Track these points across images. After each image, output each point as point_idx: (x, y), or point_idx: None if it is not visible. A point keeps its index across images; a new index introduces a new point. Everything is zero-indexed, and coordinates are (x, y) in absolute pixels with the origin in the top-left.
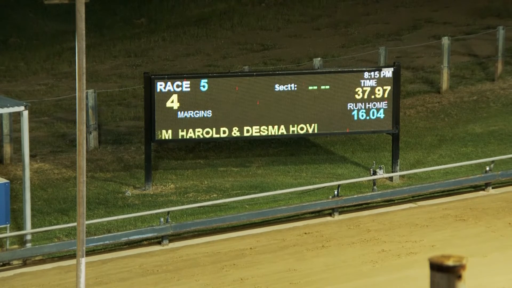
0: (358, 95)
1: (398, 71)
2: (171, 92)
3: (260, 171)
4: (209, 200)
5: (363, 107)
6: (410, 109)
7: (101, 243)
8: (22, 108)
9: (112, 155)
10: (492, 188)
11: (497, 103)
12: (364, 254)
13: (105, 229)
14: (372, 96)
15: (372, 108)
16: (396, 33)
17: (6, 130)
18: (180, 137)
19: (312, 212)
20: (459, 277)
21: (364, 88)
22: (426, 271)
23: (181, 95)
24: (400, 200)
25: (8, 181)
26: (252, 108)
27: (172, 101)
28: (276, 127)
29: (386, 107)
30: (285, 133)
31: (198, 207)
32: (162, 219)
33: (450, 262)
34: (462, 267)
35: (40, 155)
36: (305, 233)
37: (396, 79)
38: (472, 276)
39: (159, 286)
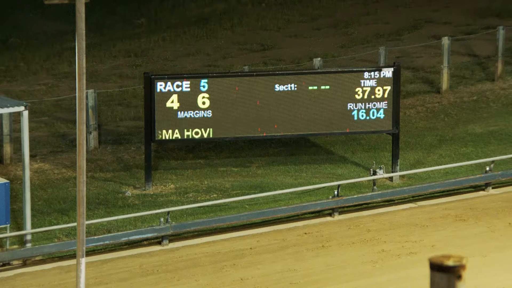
0: (358, 95)
1: (398, 71)
2: (171, 92)
3: (260, 171)
4: (209, 200)
5: (363, 107)
6: (410, 109)
7: (101, 243)
8: (22, 108)
9: (112, 155)
10: (492, 188)
11: (497, 103)
12: (364, 254)
13: (105, 229)
14: (372, 96)
15: (372, 108)
16: (396, 33)
17: (6, 130)
18: (180, 137)
19: (312, 212)
20: (459, 277)
21: (364, 88)
22: (426, 271)
23: (181, 95)
24: (400, 200)
25: (8, 181)
26: (252, 108)
27: (172, 101)
28: (276, 127)
29: (386, 107)
30: (285, 133)
31: (198, 207)
32: (162, 219)
33: (450, 262)
34: (462, 267)
35: (40, 155)
36: (305, 233)
37: (396, 79)
38: (472, 276)
39: (159, 286)
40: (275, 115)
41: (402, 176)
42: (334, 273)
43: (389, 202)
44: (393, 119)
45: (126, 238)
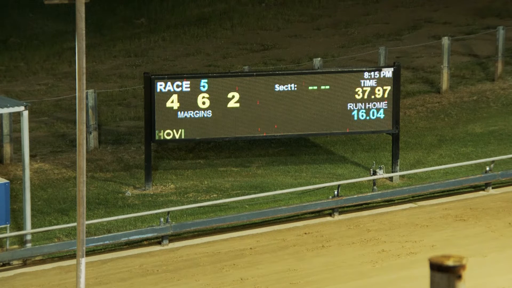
0: (358, 95)
1: (398, 71)
2: (171, 92)
3: (260, 171)
4: (209, 200)
5: (363, 107)
6: (410, 109)
7: (101, 243)
8: (22, 108)
9: (112, 155)
10: (492, 188)
11: (497, 103)
12: (364, 254)
13: (105, 229)
14: (372, 96)
15: (372, 108)
16: (396, 33)
17: (6, 130)
18: (180, 137)
19: (312, 212)
20: (459, 277)
21: (364, 88)
22: (426, 271)
23: (181, 95)
24: (400, 200)
25: (8, 181)
26: (252, 108)
27: (172, 101)
28: (276, 127)
29: (386, 107)
30: (285, 133)
31: (198, 207)
32: (162, 219)
33: (450, 262)
34: (462, 267)
35: (40, 155)
36: (305, 233)
37: (396, 79)
38: (472, 276)
39: (159, 286)
40: (275, 115)
41: (402, 176)
42: (334, 273)
43: (389, 202)
44: (393, 119)
45: (126, 238)
